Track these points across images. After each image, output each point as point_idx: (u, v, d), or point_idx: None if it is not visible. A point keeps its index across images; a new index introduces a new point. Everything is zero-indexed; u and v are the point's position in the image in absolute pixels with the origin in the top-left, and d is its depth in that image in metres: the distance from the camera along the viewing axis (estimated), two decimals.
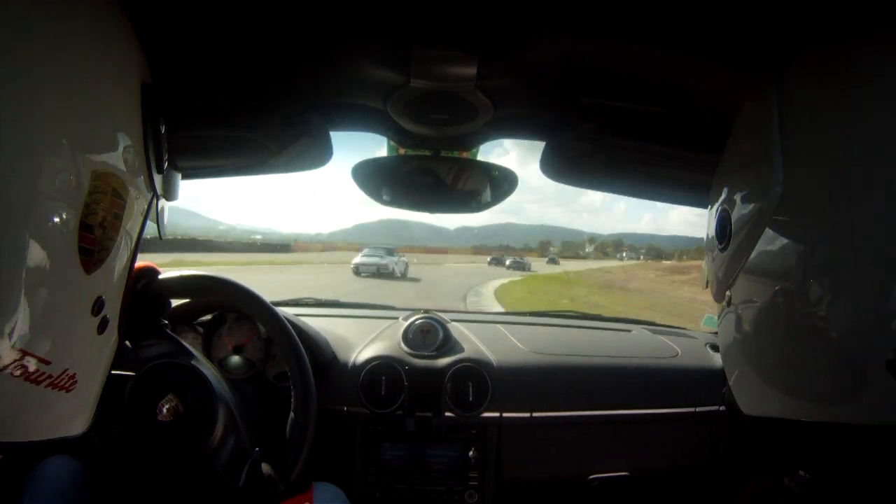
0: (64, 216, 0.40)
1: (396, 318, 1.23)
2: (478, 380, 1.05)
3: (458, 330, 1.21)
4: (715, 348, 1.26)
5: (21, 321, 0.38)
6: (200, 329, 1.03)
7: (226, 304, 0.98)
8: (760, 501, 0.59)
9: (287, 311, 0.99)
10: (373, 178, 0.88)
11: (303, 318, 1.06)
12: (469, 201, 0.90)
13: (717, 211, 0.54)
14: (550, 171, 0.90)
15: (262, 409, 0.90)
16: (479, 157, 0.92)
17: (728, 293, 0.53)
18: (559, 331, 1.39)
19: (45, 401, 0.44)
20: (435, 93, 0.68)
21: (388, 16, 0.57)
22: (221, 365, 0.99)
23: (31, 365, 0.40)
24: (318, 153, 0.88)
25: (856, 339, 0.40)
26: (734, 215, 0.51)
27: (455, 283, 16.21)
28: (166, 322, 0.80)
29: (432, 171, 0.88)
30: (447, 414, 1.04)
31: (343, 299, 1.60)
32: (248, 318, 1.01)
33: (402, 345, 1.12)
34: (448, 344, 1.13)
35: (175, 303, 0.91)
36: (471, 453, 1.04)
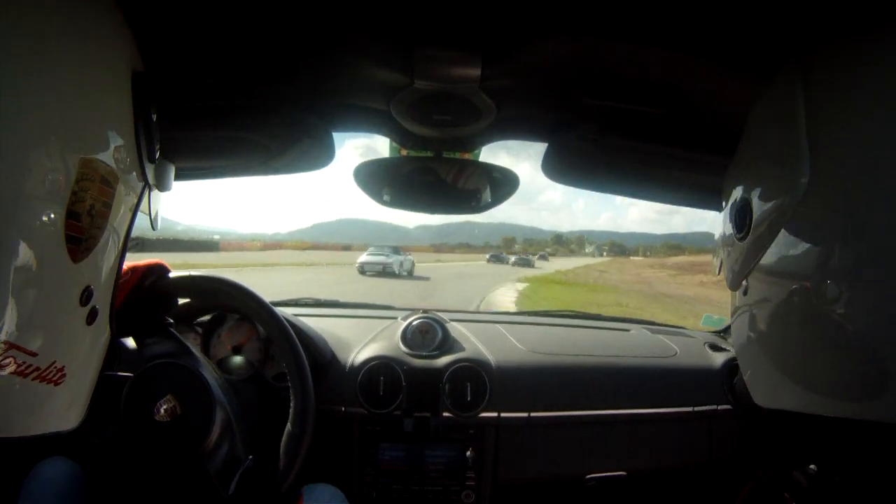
0: (50, 203, 0.39)
1: (395, 318, 1.23)
2: (476, 380, 1.05)
3: (456, 330, 1.20)
4: (714, 348, 1.27)
5: (5, 312, 0.37)
6: (199, 329, 1.02)
7: (226, 305, 0.97)
8: (766, 493, 0.59)
9: (286, 312, 0.99)
10: (374, 178, 0.88)
11: (302, 319, 1.05)
12: (469, 202, 0.90)
13: (736, 200, 0.54)
14: (552, 172, 0.90)
15: (260, 410, 0.90)
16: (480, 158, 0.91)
17: (745, 283, 0.53)
18: (558, 330, 1.39)
19: (33, 394, 0.43)
20: (438, 94, 0.68)
21: (391, 16, 0.56)
22: (220, 365, 0.98)
23: (17, 357, 0.39)
24: (319, 154, 0.87)
25: (881, 337, 0.40)
26: (755, 205, 0.50)
27: (464, 287, 13.86)
28: (171, 321, 0.80)
29: (433, 171, 0.88)
30: (445, 414, 1.04)
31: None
32: (246, 319, 1.00)
33: (401, 345, 1.12)
34: (447, 344, 1.13)
35: None
36: (468, 453, 1.04)
